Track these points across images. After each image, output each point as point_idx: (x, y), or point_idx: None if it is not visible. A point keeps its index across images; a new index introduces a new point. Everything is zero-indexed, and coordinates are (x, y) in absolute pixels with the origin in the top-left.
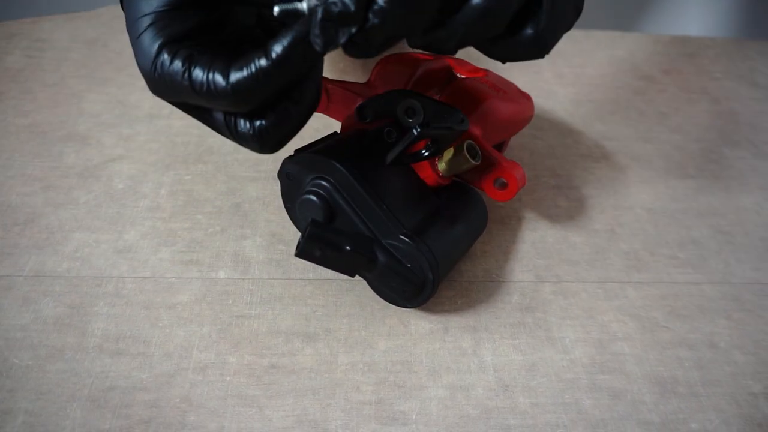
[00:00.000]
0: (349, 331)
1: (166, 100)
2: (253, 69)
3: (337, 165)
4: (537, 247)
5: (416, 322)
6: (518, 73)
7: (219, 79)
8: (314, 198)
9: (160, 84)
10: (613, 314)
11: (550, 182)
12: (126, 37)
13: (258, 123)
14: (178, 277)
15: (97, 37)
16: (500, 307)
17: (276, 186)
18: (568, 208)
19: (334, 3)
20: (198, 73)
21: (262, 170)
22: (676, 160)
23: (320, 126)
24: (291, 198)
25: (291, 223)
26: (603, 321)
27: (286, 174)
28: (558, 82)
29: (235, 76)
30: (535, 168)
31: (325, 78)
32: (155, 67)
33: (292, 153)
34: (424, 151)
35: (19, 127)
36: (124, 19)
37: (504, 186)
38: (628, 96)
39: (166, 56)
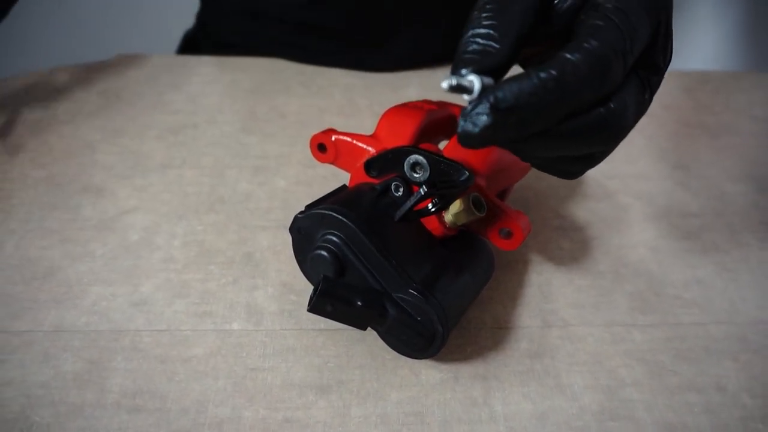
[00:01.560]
0: (361, 383)
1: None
2: None
3: (347, 221)
4: (543, 291)
5: (427, 371)
6: None
7: None
8: (325, 253)
9: None
10: (621, 359)
11: (554, 223)
12: (138, 87)
13: None
14: (192, 329)
15: (110, 87)
16: (509, 354)
17: (286, 234)
18: (572, 250)
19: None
20: None
21: (272, 219)
22: (678, 197)
23: (327, 174)
24: (302, 252)
25: (301, 273)
26: (611, 366)
27: (297, 229)
28: None
29: None
30: (539, 209)
31: (333, 130)
32: None
33: (302, 208)
34: (431, 207)
35: (36, 179)
36: (136, 69)
37: (509, 235)
38: (630, 133)
39: None
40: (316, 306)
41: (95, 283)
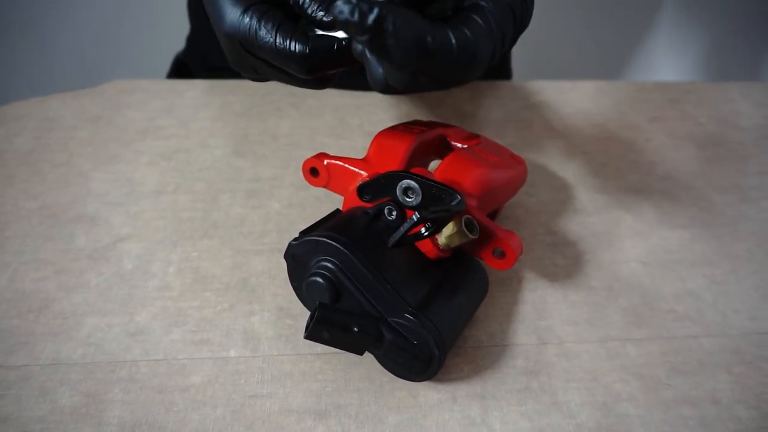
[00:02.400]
0: (359, 406)
1: (235, 59)
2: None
3: (341, 247)
4: (538, 308)
5: (425, 392)
6: (509, 129)
7: (299, 46)
8: (320, 279)
9: (243, 41)
10: (616, 374)
11: (546, 240)
12: (129, 112)
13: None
14: (189, 358)
15: (102, 113)
16: (506, 373)
17: (281, 258)
18: (566, 266)
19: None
20: (279, 38)
21: (266, 243)
22: (667, 210)
23: (321, 195)
24: (297, 278)
25: (297, 297)
26: (606, 382)
27: (291, 256)
28: (548, 135)
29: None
30: (531, 226)
31: (325, 154)
32: (239, 27)
33: (297, 232)
34: (424, 231)
35: (30, 210)
36: (126, 95)
37: (502, 255)
38: (617, 146)
39: (249, 18)
40: (312, 333)
41: (91, 314)
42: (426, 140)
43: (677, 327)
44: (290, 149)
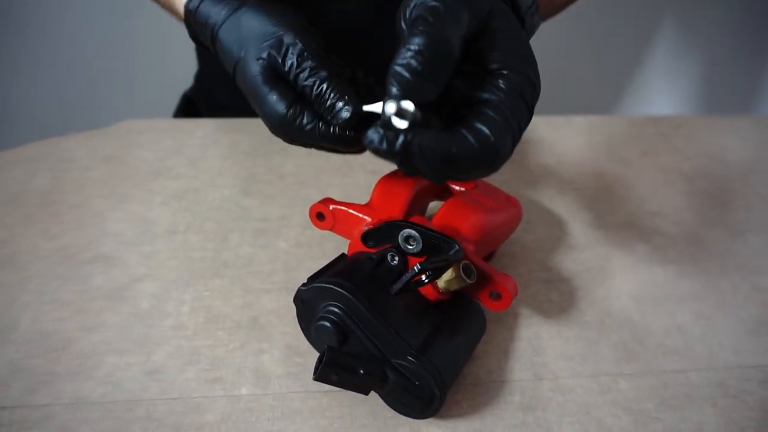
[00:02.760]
0: None
1: (284, 140)
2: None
3: (346, 294)
4: (533, 344)
5: (427, 429)
6: (504, 165)
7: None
8: (328, 324)
9: (290, 132)
10: (608, 408)
11: (541, 276)
12: (141, 152)
13: None
14: (204, 396)
15: (115, 153)
16: (503, 408)
17: (289, 297)
18: (560, 302)
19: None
20: (323, 126)
21: (275, 282)
22: (657, 245)
23: (326, 234)
24: (306, 320)
25: (305, 337)
26: (599, 416)
27: (301, 300)
28: (542, 172)
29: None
30: (526, 262)
31: (330, 199)
32: (286, 121)
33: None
34: (425, 278)
35: (49, 250)
36: (138, 134)
37: (499, 297)
38: (609, 181)
39: (294, 112)
40: (321, 375)
41: (109, 353)
42: (425, 185)
43: (666, 361)
44: (296, 188)
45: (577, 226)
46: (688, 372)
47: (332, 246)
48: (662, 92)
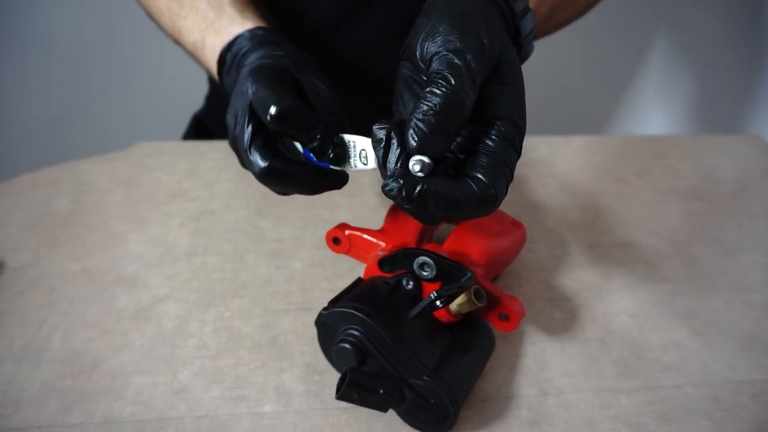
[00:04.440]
0: None
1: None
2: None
3: (365, 318)
4: (538, 361)
5: None
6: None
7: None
8: (348, 346)
9: (275, 182)
10: (610, 423)
11: (545, 295)
12: (157, 174)
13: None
14: (229, 413)
15: (132, 176)
16: (511, 423)
17: (306, 317)
18: (563, 320)
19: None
20: (305, 175)
21: (292, 302)
22: (653, 263)
23: (342, 256)
24: (327, 342)
25: (322, 353)
26: (601, 430)
27: (322, 324)
28: (543, 192)
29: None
30: (530, 281)
31: (345, 225)
32: (270, 172)
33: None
34: (439, 304)
35: (74, 272)
36: (152, 157)
37: (507, 319)
38: (608, 201)
39: (277, 164)
40: (344, 395)
41: (137, 373)
42: None
43: (663, 377)
44: (308, 209)
45: (579, 245)
46: (684, 387)
47: (345, 267)
48: (656, 110)
